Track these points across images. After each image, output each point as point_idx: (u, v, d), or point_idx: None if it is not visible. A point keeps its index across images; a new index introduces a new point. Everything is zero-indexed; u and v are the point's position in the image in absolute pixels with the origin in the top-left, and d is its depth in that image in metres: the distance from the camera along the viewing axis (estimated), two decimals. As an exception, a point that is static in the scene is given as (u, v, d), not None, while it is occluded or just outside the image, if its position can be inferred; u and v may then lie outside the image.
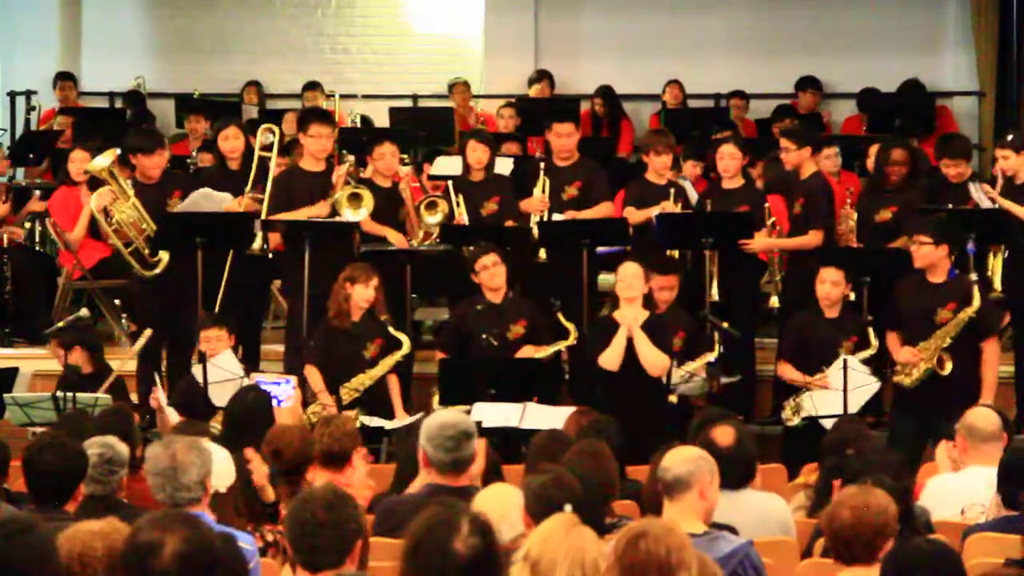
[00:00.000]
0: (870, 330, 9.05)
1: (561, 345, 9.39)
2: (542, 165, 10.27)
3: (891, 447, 7.98)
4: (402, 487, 6.28)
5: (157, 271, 9.76)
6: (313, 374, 9.03)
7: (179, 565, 3.82)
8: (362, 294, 9.02)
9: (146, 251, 9.79)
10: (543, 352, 9.27)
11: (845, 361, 8.65)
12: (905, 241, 9.30)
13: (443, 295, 10.70)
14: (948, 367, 8.73)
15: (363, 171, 10.51)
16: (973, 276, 8.81)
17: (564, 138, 10.28)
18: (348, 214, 9.74)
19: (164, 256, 9.76)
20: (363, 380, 9.02)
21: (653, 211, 9.91)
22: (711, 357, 9.01)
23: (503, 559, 4.01)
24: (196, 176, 11.03)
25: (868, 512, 4.85)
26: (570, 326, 9.40)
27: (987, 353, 8.79)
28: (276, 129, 10.24)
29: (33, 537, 3.93)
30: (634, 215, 10.04)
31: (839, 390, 8.61)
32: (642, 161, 10.54)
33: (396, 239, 9.95)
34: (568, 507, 4.80)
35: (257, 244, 9.95)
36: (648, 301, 8.85)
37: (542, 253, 9.98)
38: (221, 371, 8.60)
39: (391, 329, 9.11)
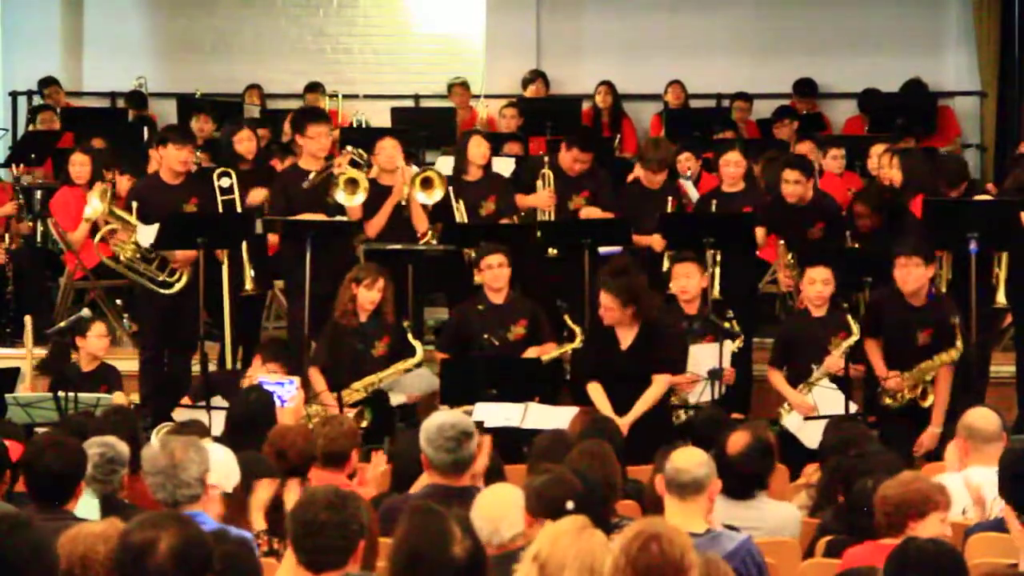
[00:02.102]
0: (849, 318, 9.00)
1: (567, 348, 9.39)
2: (546, 160, 10.26)
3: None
4: (401, 487, 6.27)
5: (176, 289, 9.74)
6: (316, 376, 9.01)
7: (176, 562, 3.82)
8: (367, 296, 9.00)
9: (161, 277, 9.77)
10: (548, 355, 9.29)
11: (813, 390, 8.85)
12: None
13: (443, 294, 10.70)
14: (929, 399, 8.79)
15: (368, 171, 10.53)
16: (955, 319, 8.80)
17: (579, 163, 10.29)
18: (341, 197, 9.60)
19: (184, 276, 9.75)
20: (370, 382, 9.00)
21: (654, 239, 10.00)
22: (735, 347, 9.09)
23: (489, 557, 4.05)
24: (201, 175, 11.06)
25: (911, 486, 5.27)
26: (576, 328, 9.41)
27: (939, 378, 8.77)
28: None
29: (31, 533, 3.93)
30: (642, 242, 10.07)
31: (814, 414, 8.79)
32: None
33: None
34: (570, 504, 4.81)
35: (249, 285, 9.98)
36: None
37: (552, 250, 10.01)
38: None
39: (409, 336, 9.06)
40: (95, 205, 9.90)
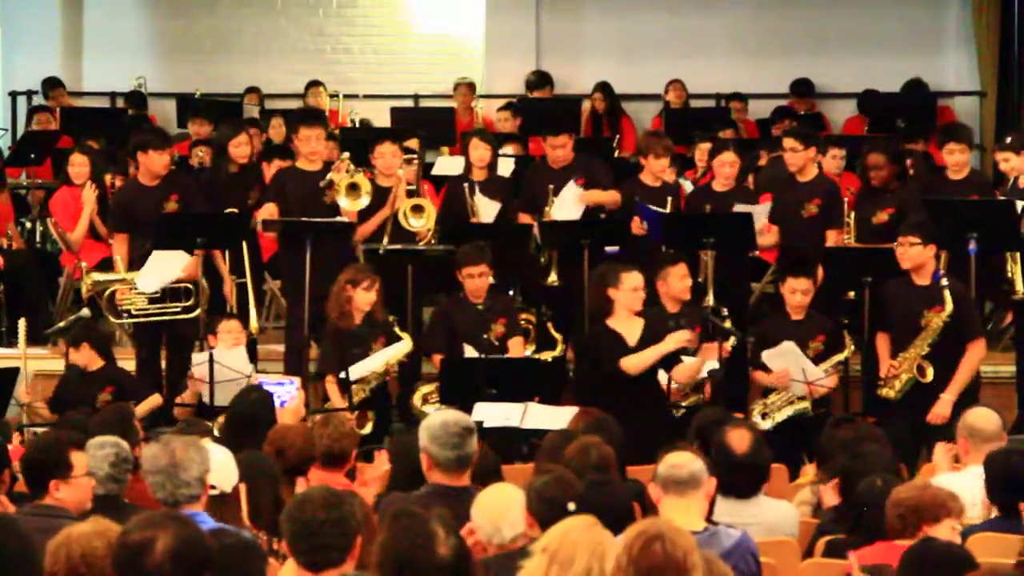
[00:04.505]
0: (845, 333, 9.08)
1: (547, 356, 9.43)
2: (551, 187, 10.22)
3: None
4: (397, 487, 6.26)
5: (196, 314, 9.70)
6: (333, 388, 9.01)
7: (173, 562, 3.82)
8: (364, 298, 9.02)
9: (179, 309, 9.74)
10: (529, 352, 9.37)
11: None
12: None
13: (443, 294, 10.69)
14: (930, 374, 8.72)
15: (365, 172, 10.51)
16: (944, 281, 8.79)
17: (559, 149, 10.30)
18: (345, 203, 9.62)
19: (198, 299, 9.71)
20: (371, 379, 9.01)
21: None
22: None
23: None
24: (198, 175, 11.05)
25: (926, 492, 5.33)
26: (558, 337, 9.43)
27: (968, 353, 8.73)
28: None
29: (13, 531, 3.93)
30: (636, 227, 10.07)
31: (798, 379, 8.88)
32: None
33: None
34: (572, 505, 4.81)
35: (254, 327, 9.96)
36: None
37: (552, 276, 10.01)
38: (229, 369, 8.60)
39: (396, 329, 9.13)
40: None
